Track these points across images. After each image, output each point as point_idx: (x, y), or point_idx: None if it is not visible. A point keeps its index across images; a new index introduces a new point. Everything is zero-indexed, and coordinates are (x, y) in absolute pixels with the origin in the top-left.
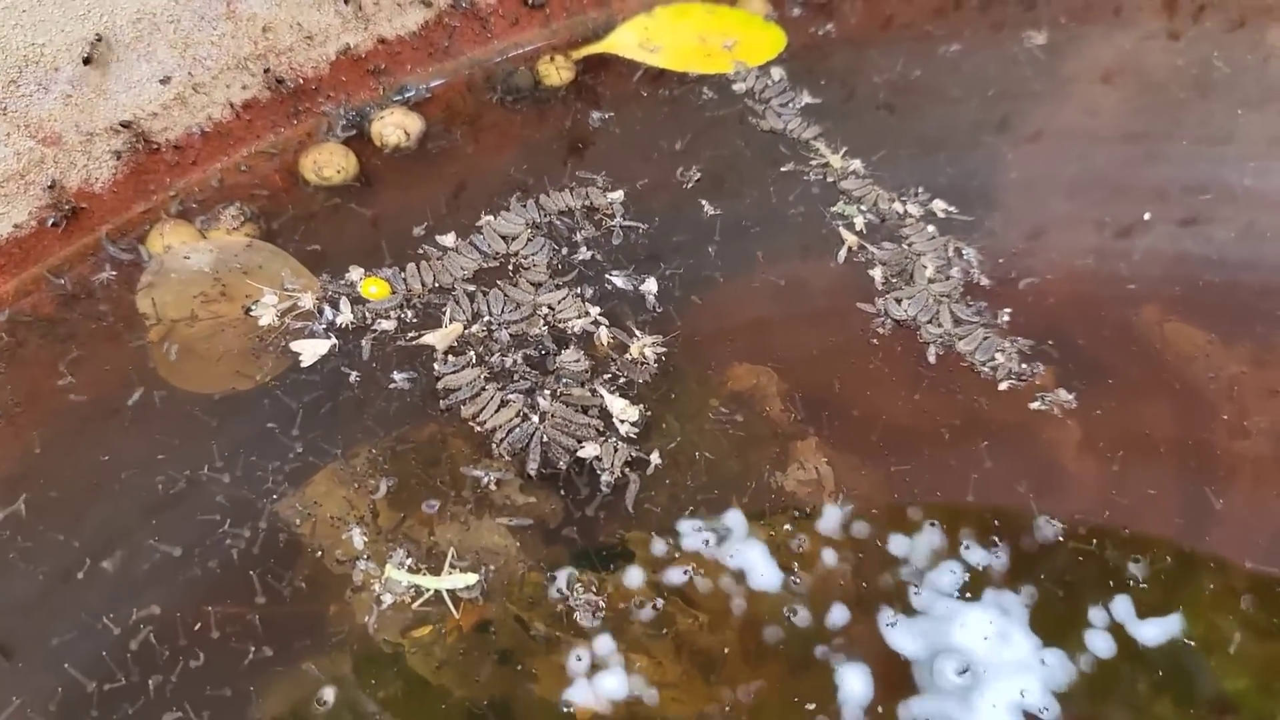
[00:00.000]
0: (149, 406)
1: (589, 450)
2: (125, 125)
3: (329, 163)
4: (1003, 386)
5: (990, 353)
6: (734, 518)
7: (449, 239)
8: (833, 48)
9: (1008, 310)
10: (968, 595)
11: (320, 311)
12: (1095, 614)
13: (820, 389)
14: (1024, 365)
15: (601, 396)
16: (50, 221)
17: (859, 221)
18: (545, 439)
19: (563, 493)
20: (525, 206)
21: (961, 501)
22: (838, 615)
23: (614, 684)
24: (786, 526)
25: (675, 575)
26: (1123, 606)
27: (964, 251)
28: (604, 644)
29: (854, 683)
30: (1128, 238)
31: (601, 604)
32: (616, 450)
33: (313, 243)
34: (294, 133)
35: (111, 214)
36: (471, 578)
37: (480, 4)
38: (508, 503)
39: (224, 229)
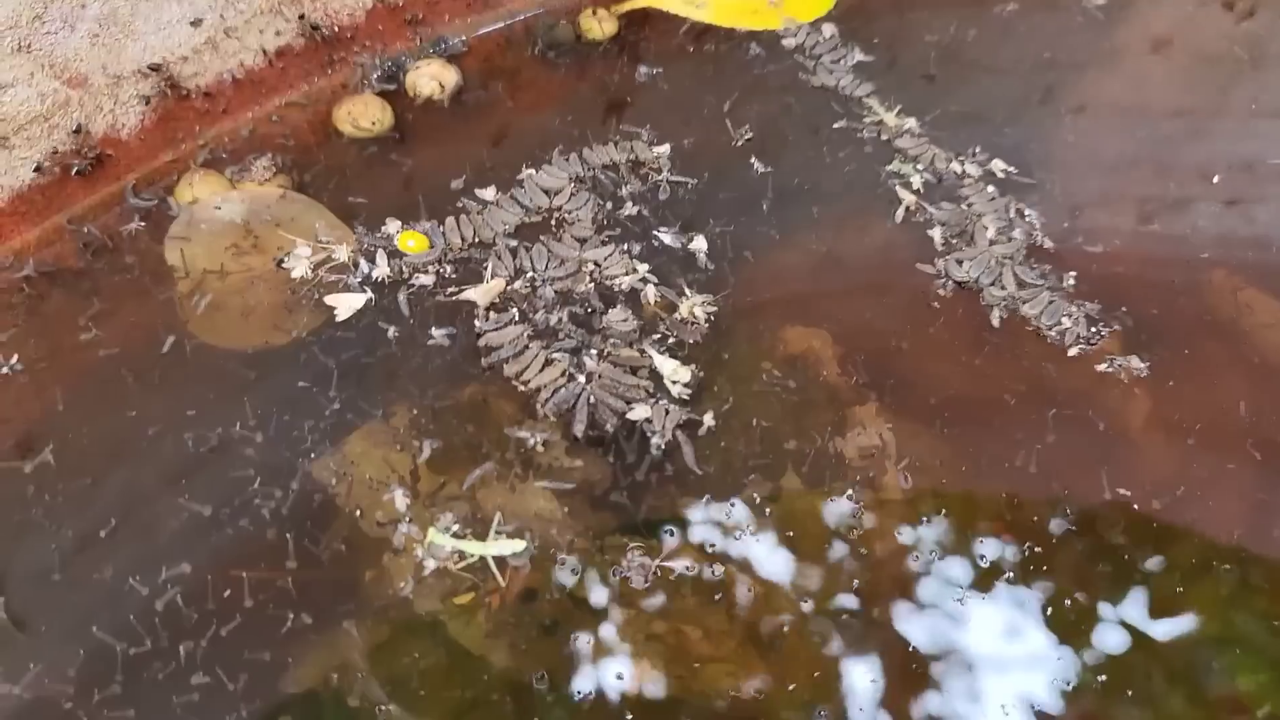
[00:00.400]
0: (178, 361)
1: (639, 412)
2: (154, 69)
3: (364, 114)
4: (1071, 352)
5: (1057, 317)
6: (791, 484)
7: (489, 192)
8: (884, 6)
9: (1073, 274)
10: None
11: (355, 264)
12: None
13: (879, 353)
14: (1093, 329)
15: (651, 357)
16: (75, 169)
17: (916, 180)
18: (592, 400)
19: (611, 456)
20: (568, 160)
21: (1025, 473)
22: (896, 596)
23: (665, 655)
24: (848, 495)
25: (729, 543)
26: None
27: (1025, 213)
28: (655, 613)
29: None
30: (1195, 201)
31: (653, 568)
32: (668, 413)
33: (347, 195)
34: (328, 83)
35: (139, 162)
36: (519, 544)
37: None
38: (554, 465)
39: (255, 180)
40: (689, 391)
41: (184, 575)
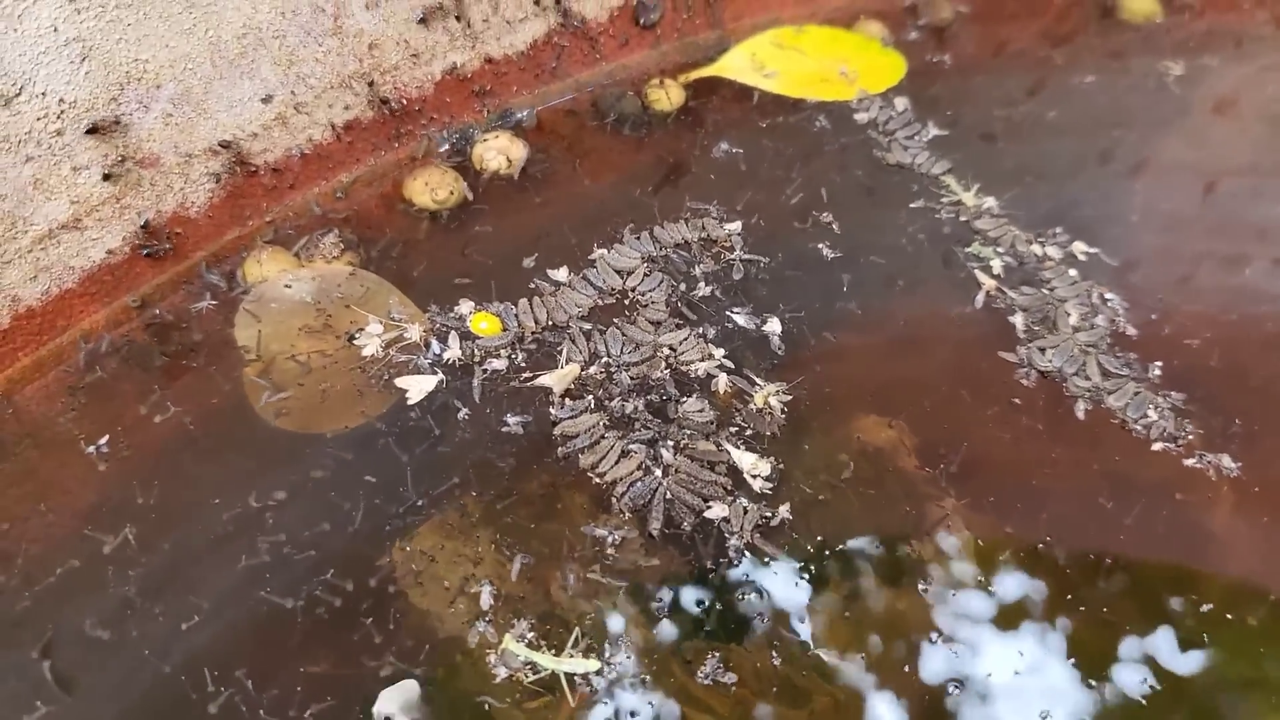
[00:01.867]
0: (254, 447)
1: (716, 511)
2: (225, 146)
3: (441, 183)
4: (1156, 447)
5: (1142, 409)
6: (869, 585)
7: (561, 273)
8: (954, 77)
9: (1158, 363)
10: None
11: (427, 345)
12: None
13: (958, 445)
14: (1179, 425)
15: (728, 452)
16: (146, 250)
17: (996, 264)
18: (669, 496)
19: (688, 555)
20: (639, 239)
21: (1108, 571)
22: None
23: None
24: (923, 590)
25: (810, 648)
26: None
27: (1108, 297)
28: None
29: None
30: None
31: (732, 680)
32: (746, 512)
33: (416, 273)
34: (394, 156)
35: (206, 240)
36: (593, 664)
37: (591, 23)
38: (631, 565)
39: (324, 257)
40: (770, 486)
41: (259, 668)
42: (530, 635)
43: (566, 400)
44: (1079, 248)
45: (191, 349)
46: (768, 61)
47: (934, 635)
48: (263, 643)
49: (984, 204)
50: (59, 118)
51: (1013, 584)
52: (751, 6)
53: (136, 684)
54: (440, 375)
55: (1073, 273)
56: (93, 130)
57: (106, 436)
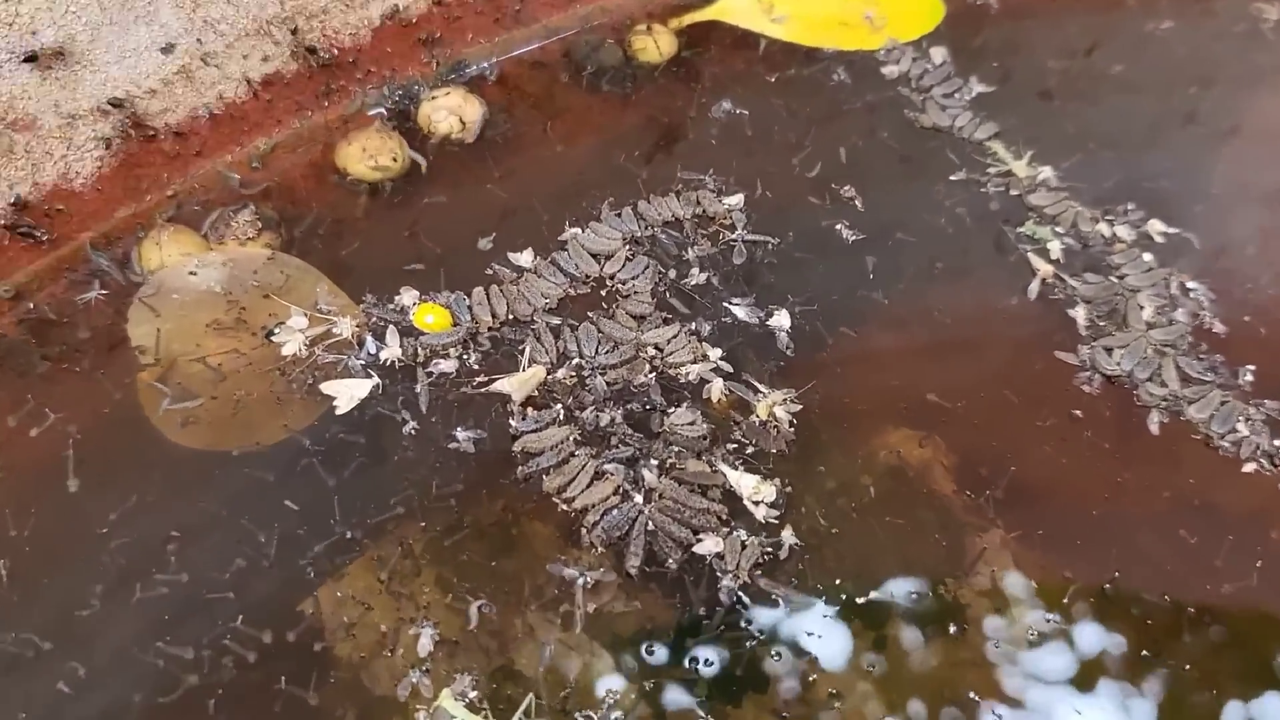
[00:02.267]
0: (148, 467)
1: (708, 546)
2: (116, 105)
3: (382, 150)
4: (1247, 469)
5: (1230, 423)
6: (895, 633)
7: (525, 257)
8: (1003, 22)
9: (1251, 367)
10: None
11: (360, 343)
12: None
13: (1005, 465)
14: (1276, 441)
15: (724, 473)
16: (19, 230)
17: (1054, 247)
18: (651, 527)
19: (674, 600)
20: (621, 216)
21: (1188, 621)
22: None
23: None
24: (960, 640)
25: (818, 712)
26: None
27: (1190, 288)
28: None
29: None
30: None
31: None
32: (745, 547)
33: (348, 256)
34: (324, 118)
35: (95, 218)
36: None
37: None
38: (604, 610)
39: (237, 238)
40: (776, 515)
41: None
42: (473, 694)
43: (529, 410)
44: (1155, 227)
45: (76, 349)
46: (777, 3)
47: (973, 695)
48: (158, 708)
49: (1039, 175)
50: None
51: (1072, 635)
52: None
53: None
54: (376, 379)
55: (1147, 257)
56: (30, 59)
57: None
